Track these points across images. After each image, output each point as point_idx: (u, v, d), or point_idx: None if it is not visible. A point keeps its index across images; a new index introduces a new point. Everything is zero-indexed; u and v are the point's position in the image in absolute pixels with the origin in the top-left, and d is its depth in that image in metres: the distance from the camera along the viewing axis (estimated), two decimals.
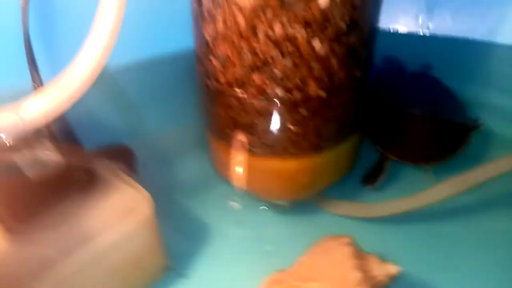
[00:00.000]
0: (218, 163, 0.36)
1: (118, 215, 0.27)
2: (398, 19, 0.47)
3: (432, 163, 0.39)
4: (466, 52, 0.44)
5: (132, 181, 0.30)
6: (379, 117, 0.42)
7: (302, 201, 0.37)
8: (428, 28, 0.46)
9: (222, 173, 0.36)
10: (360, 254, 0.29)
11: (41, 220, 0.26)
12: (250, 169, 0.33)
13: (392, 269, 0.28)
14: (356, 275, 0.27)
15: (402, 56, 0.45)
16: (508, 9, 0.42)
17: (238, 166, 0.34)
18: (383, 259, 0.29)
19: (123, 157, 0.33)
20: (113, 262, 0.27)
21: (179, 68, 0.42)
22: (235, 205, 0.38)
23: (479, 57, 0.44)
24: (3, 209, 0.25)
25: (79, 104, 0.28)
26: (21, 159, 0.27)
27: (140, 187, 0.29)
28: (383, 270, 0.28)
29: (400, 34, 0.47)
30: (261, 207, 0.37)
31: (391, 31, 0.47)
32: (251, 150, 0.32)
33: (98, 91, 0.34)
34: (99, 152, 0.31)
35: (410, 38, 0.47)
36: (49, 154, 0.26)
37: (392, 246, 0.33)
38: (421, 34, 0.46)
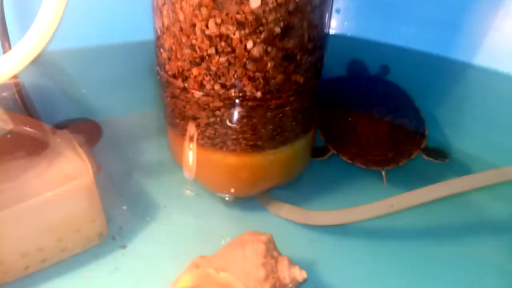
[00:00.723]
0: (172, 150, 0.39)
1: (58, 180, 0.30)
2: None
3: (385, 167, 0.38)
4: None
5: (82, 153, 0.33)
6: (333, 118, 0.42)
7: (251, 198, 0.38)
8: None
9: (176, 160, 0.38)
10: (272, 254, 0.29)
11: None
12: (196, 160, 0.35)
13: (297, 274, 0.29)
14: (261, 273, 0.28)
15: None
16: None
17: (187, 155, 0.36)
18: (294, 263, 0.29)
19: (89, 131, 0.36)
20: (47, 220, 0.30)
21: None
22: (188, 192, 0.39)
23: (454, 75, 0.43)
24: None
25: (49, 81, 0.32)
26: None
27: (86, 159, 0.32)
28: (289, 273, 0.29)
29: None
30: (214, 198, 0.39)
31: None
32: (197, 141, 0.34)
33: (72, 71, 0.37)
34: (66, 124, 0.35)
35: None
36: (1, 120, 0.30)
37: (324, 255, 0.34)
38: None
